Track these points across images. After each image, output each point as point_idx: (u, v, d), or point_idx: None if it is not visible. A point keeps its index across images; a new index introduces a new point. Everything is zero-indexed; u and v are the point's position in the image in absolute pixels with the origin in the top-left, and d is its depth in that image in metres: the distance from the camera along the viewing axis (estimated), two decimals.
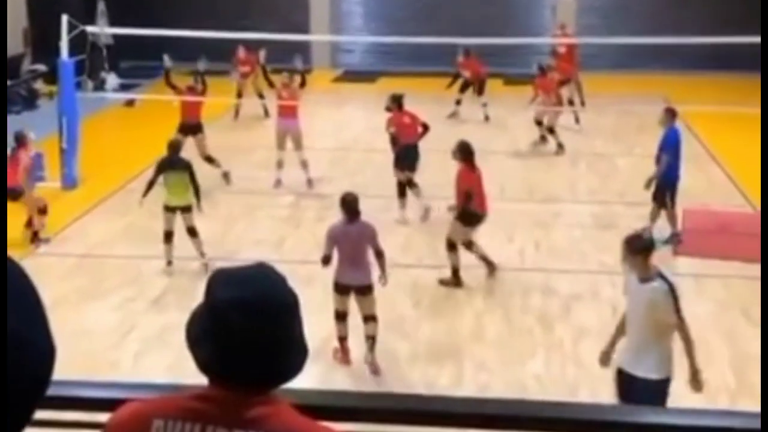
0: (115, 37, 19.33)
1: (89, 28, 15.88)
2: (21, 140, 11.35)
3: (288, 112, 13.21)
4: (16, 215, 10.88)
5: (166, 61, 13.37)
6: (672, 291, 6.17)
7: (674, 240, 10.86)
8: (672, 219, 10.98)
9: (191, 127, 13.09)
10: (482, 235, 11.32)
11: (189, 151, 12.03)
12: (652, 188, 10.95)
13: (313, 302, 8.51)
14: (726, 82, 18.78)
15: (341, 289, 8.10)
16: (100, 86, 19.72)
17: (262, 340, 1.68)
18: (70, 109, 12.97)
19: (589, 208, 12.34)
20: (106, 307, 9.33)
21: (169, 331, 8.30)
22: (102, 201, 12.38)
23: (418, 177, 11.91)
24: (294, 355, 1.73)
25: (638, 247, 6.31)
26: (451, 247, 9.77)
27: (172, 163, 10.11)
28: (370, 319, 8.15)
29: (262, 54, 16.77)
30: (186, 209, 10.06)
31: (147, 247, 10.52)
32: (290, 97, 13.34)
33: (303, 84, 13.29)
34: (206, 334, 1.70)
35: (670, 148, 10.81)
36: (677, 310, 6.18)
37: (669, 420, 2.19)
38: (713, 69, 19.09)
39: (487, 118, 16.96)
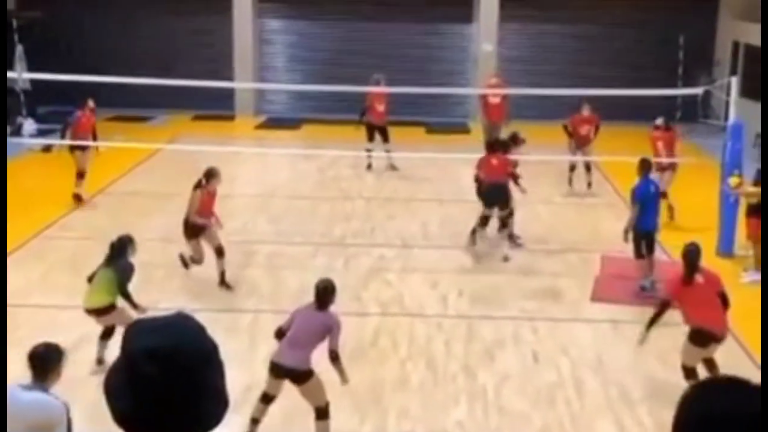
0: (33, 82, 18.98)
1: (7, 73, 15.58)
2: (209, 177, 10.87)
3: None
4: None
5: None
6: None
7: (653, 288, 10.87)
8: (650, 267, 11.08)
9: None
10: (406, 282, 11.38)
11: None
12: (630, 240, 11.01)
13: (235, 352, 8.40)
14: (644, 133, 19.32)
15: (274, 369, 7.28)
16: (16, 132, 19.30)
17: (177, 390, 1.64)
18: None
19: (511, 254, 12.47)
20: (18, 356, 8.98)
21: (81, 384, 8.05)
22: (17, 248, 12.04)
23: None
24: (213, 406, 1.69)
25: None
26: (688, 373, 8.10)
27: (107, 261, 8.88)
28: (322, 414, 7.23)
29: None
30: (100, 312, 8.81)
31: (62, 297, 10.24)
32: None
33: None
34: (122, 385, 1.66)
35: (638, 198, 11.00)
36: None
37: None
38: (629, 120, 19.62)
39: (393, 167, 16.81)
